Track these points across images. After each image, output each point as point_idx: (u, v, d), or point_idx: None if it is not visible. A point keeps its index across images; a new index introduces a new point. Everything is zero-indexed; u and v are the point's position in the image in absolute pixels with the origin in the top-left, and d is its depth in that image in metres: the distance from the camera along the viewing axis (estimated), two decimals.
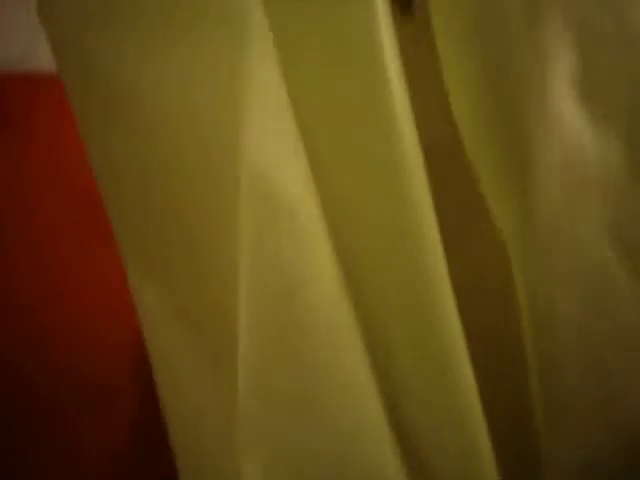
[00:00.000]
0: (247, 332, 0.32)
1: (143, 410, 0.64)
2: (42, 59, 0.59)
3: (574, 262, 0.36)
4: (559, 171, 0.36)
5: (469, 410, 0.35)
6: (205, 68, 0.31)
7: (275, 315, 0.32)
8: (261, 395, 0.33)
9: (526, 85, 0.37)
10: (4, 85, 0.62)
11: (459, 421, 0.35)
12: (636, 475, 0.37)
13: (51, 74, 0.62)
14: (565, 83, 0.37)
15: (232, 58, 0.31)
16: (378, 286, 0.35)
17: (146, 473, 0.63)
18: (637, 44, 0.36)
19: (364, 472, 0.34)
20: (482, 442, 0.35)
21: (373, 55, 0.35)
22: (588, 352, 0.36)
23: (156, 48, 0.32)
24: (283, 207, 0.32)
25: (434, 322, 0.35)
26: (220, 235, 0.32)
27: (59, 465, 0.62)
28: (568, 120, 0.36)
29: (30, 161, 0.62)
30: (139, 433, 0.63)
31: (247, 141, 0.31)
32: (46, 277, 0.63)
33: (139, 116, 0.33)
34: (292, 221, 0.32)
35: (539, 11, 0.37)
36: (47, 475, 0.62)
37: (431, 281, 0.35)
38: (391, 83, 0.35)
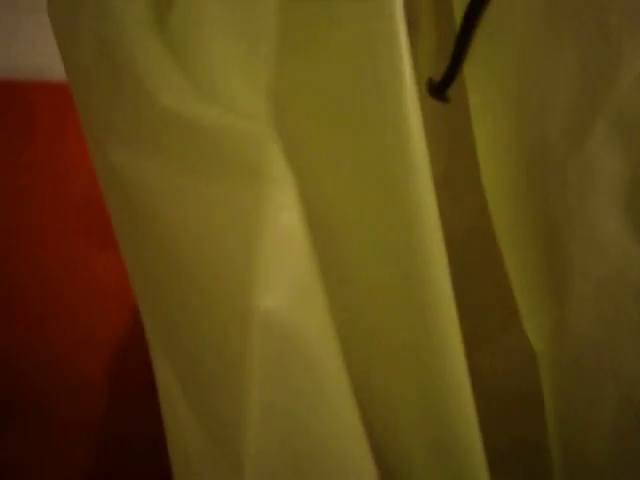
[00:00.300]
0: (255, 458, 0.31)
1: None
2: (44, 67, 0.58)
3: (608, 384, 0.34)
4: (598, 286, 0.34)
5: None
6: (220, 209, 0.30)
7: (285, 454, 0.31)
8: None
9: (567, 186, 0.34)
10: (8, 91, 0.61)
11: None
12: None
13: (55, 81, 0.61)
14: (610, 190, 0.34)
15: (248, 205, 0.30)
16: (395, 405, 0.34)
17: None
18: None
19: None
20: None
21: (398, 138, 0.33)
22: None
23: (173, 178, 0.31)
24: (296, 350, 0.30)
25: (456, 439, 0.33)
26: (230, 371, 0.31)
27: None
28: (611, 230, 0.34)
29: (31, 164, 0.62)
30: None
31: (259, 286, 0.30)
32: (43, 274, 0.63)
33: (159, 231, 0.32)
34: (306, 366, 0.30)
35: (589, 110, 0.34)
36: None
37: (449, 388, 0.33)
38: (417, 172, 0.33)
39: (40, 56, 0.58)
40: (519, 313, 0.36)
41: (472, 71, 0.35)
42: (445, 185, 0.37)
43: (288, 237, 0.30)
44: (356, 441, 0.32)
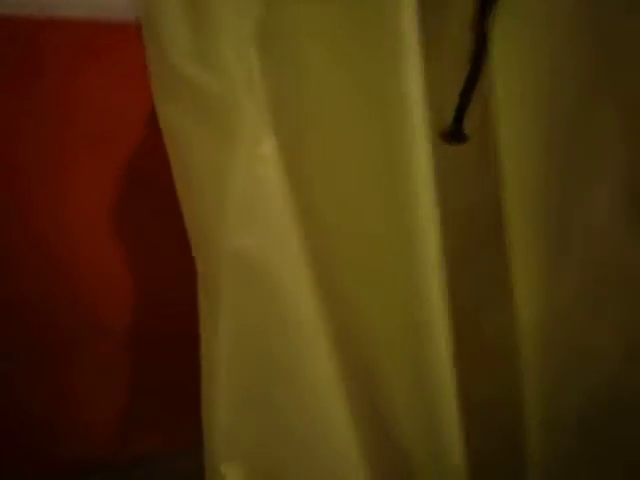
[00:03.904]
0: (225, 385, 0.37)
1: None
2: (49, 3, 0.57)
3: (586, 362, 0.37)
4: (590, 269, 0.37)
5: None
6: (211, 159, 0.37)
7: (252, 370, 0.36)
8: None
9: (574, 176, 0.37)
10: (11, 28, 0.59)
11: None
12: None
13: (60, 18, 0.59)
14: (612, 181, 0.36)
15: (226, 158, 0.36)
16: (375, 341, 0.38)
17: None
18: None
19: None
20: None
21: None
22: (588, 442, 0.37)
23: (186, 125, 0.37)
24: (263, 284, 0.36)
25: (431, 379, 0.37)
26: (214, 295, 0.36)
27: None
28: (609, 219, 0.36)
29: (38, 106, 0.60)
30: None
31: (228, 227, 0.36)
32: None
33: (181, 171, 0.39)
34: (271, 290, 0.36)
35: (594, 100, 0.36)
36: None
37: (432, 331, 0.37)
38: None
39: None
40: (514, 288, 0.38)
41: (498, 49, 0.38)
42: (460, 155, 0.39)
43: (261, 185, 0.36)
44: (318, 359, 0.37)
